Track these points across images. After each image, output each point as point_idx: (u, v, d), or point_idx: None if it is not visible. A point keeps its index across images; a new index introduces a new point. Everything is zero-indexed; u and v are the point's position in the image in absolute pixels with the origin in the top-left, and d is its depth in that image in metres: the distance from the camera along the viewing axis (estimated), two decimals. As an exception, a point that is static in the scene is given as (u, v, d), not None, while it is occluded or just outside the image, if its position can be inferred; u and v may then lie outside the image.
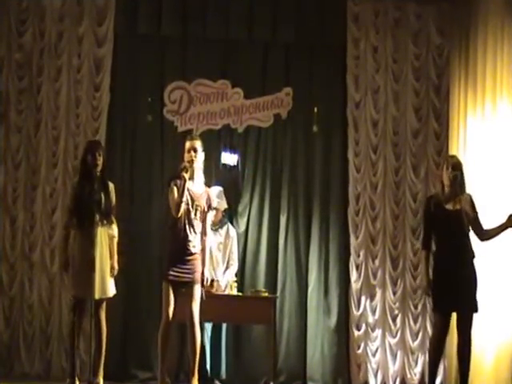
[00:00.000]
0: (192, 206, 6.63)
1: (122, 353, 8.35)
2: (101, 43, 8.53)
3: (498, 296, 7.10)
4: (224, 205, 8.22)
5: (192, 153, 6.66)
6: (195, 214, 6.66)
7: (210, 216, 6.92)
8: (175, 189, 6.58)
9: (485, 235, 6.64)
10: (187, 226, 6.62)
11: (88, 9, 8.55)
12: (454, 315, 6.59)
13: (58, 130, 8.48)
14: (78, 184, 6.85)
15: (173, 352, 7.76)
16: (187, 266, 6.59)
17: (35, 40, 8.51)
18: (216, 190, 8.17)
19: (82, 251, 6.68)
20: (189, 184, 6.58)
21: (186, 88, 8.70)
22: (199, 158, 6.71)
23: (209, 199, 6.79)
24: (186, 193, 6.56)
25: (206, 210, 6.75)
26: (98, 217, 6.55)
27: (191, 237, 6.63)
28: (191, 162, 6.63)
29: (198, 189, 6.74)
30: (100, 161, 6.78)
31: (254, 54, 8.82)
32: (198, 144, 6.71)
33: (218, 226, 8.19)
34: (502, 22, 7.45)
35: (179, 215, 6.56)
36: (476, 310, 6.55)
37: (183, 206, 6.55)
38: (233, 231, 8.33)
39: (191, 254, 6.63)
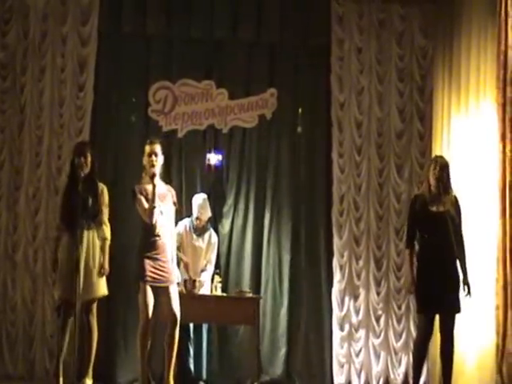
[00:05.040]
0: (161, 208, 6.64)
1: (107, 354, 8.31)
2: (85, 43, 8.51)
3: (481, 297, 7.12)
4: (207, 215, 8.23)
5: (153, 157, 6.65)
6: (165, 215, 6.66)
7: (173, 211, 6.87)
8: (142, 198, 6.61)
9: (459, 246, 6.63)
10: (160, 228, 6.62)
11: (72, 8, 8.52)
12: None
13: (42, 130, 8.44)
14: (67, 186, 6.86)
15: (158, 354, 7.75)
16: (163, 267, 6.61)
17: (19, 39, 8.47)
18: (200, 198, 8.16)
19: (68, 253, 6.67)
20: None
21: (171, 88, 8.70)
22: (160, 162, 6.70)
23: (172, 196, 6.80)
24: (156, 198, 6.56)
25: (171, 206, 6.77)
26: (83, 219, 6.52)
27: (165, 238, 6.64)
28: (153, 166, 6.62)
29: (162, 189, 6.73)
30: (87, 163, 6.77)
31: (238, 55, 8.83)
32: (158, 148, 6.70)
33: (200, 231, 8.19)
34: (485, 23, 7.47)
35: (154, 221, 6.56)
36: (459, 311, 6.59)
37: (157, 211, 6.55)
38: (214, 237, 8.32)
39: (166, 255, 6.64)
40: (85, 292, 6.57)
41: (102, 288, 6.86)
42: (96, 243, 6.80)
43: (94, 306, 6.86)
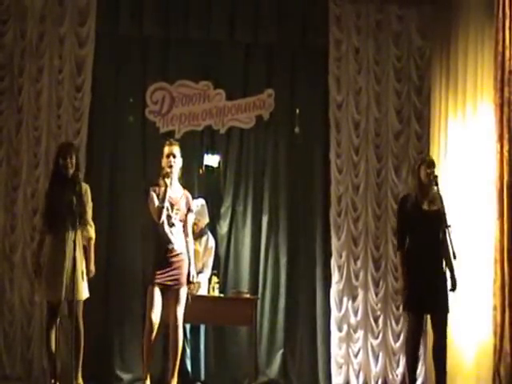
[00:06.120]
0: (172, 211, 6.69)
1: (106, 354, 8.32)
2: (82, 44, 8.48)
3: (477, 294, 7.14)
4: (205, 221, 8.23)
5: (171, 158, 6.76)
6: (176, 219, 6.72)
7: (191, 218, 6.97)
8: (154, 195, 6.70)
9: (445, 243, 6.62)
10: (169, 231, 6.71)
11: (69, 9, 8.49)
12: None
13: (40, 131, 8.42)
14: (49, 187, 6.86)
15: (157, 356, 7.78)
16: (173, 270, 6.67)
17: (16, 40, 8.44)
18: (198, 204, 8.16)
19: (53, 255, 6.68)
20: (168, 190, 6.64)
21: (168, 89, 8.69)
22: (177, 164, 6.78)
23: (188, 202, 6.87)
24: (166, 198, 6.60)
25: (186, 213, 6.84)
26: (68, 220, 6.52)
27: (174, 241, 6.72)
28: (171, 167, 6.70)
29: (177, 193, 6.83)
30: (72, 163, 6.77)
31: (236, 56, 8.82)
32: (177, 149, 6.82)
33: (197, 235, 8.20)
34: (482, 25, 7.49)
35: (161, 220, 6.59)
36: (448, 311, 6.60)
37: (164, 212, 6.59)
38: (212, 242, 8.31)
39: (176, 256, 6.70)
40: (69, 294, 6.56)
41: (84, 291, 6.85)
42: (80, 244, 6.78)
43: (80, 306, 6.83)
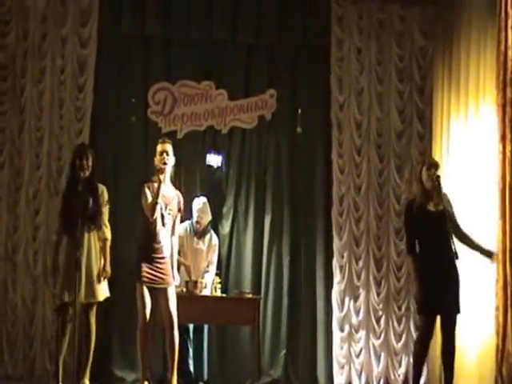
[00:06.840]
0: (165, 210, 6.70)
1: (107, 355, 8.33)
2: (84, 44, 8.49)
3: (480, 295, 7.14)
4: (207, 219, 8.24)
5: (164, 155, 6.73)
6: (168, 219, 6.73)
7: (179, 220, 7.00)
8: (148, 191, 6.68)
9: (463, 238, 6.71)
10: (160, 229, 6.70)
11: (71, 10, 8.51)
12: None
13: (42, 131, 8.43)
14: (67, 189, 6.86)
15: (157, 355, 7.77)
16: (160, 269, 6.68)
17: (19, 41, 8.46)
18: (200, 202, 8.17)
19: (69, 256, 6.68)
20: (162, 187, 6.63)
21: (170, 89, 8.71)
22: (170, 161, 6.76)
23: (179, 203, 6.88)
24: (160, 195, 6.60)
25: (176, 213, 6.85)
26: (83, 221, 6.52)
27: (163, 240, 6.73)
28: (164, 164, 6.69)
29: (170, 192, 6.83)
30: (88, 165, 6.77)
31: (238, 56, 8.84)
32: (169, 147, 6.80)
33: (201, 234, 8.20)
34: (484, 26, 7.48)
35: (154, 217, 6.59)
36: (459, 312, 6.60)
37: (158, 208, 6.59)
38: (215, 239, 8.32)
39: (163, 257, 6.72)
40: (86, 295, 6.58)
41: (103, 291, 6.86)
42: (96, 245, 6.81)
43: (95, 308, 6.86)
